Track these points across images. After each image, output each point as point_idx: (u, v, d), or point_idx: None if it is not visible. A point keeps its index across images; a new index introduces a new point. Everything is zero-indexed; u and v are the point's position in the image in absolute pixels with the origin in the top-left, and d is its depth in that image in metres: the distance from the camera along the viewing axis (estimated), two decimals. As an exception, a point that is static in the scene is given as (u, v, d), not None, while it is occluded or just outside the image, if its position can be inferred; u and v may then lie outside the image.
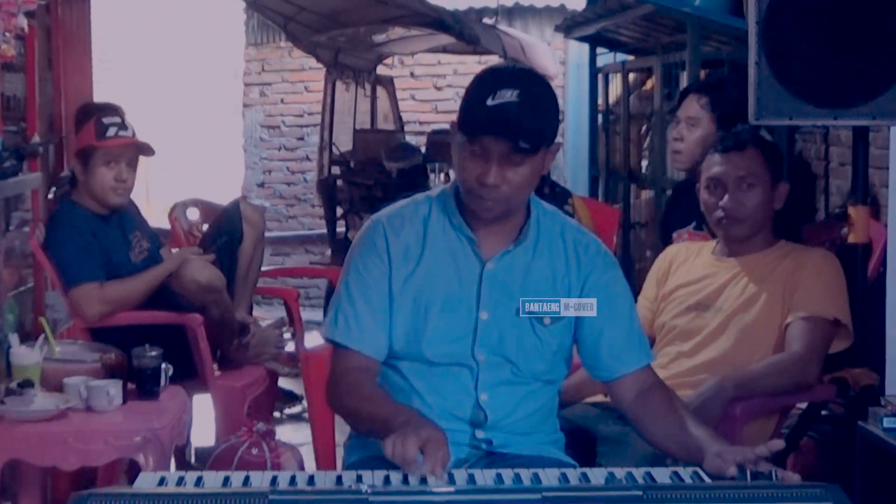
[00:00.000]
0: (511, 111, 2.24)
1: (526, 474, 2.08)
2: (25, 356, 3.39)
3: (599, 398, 2.99)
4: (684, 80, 5.46)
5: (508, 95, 2.25)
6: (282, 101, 9.80)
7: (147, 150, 4.26)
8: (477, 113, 2.28)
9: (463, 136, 2.30)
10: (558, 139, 2.39)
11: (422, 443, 2.05)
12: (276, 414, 5.24)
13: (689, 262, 3.29)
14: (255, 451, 3.73)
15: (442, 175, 6.81)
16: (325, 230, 8.52)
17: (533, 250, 2.43)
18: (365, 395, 2.33)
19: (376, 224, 2.46)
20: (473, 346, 2.39)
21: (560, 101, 9.01)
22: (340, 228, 8.08)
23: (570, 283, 2.43)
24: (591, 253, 2.46)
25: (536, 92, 2.29)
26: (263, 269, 4.88)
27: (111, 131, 4.13)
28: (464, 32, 7.01)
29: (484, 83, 2.31)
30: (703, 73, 5.40)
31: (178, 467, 4.00)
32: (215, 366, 4.30)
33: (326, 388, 2.44)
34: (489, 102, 2.25)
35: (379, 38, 7.97)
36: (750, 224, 3.15)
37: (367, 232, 2.46)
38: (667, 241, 3.70)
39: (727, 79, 4.35)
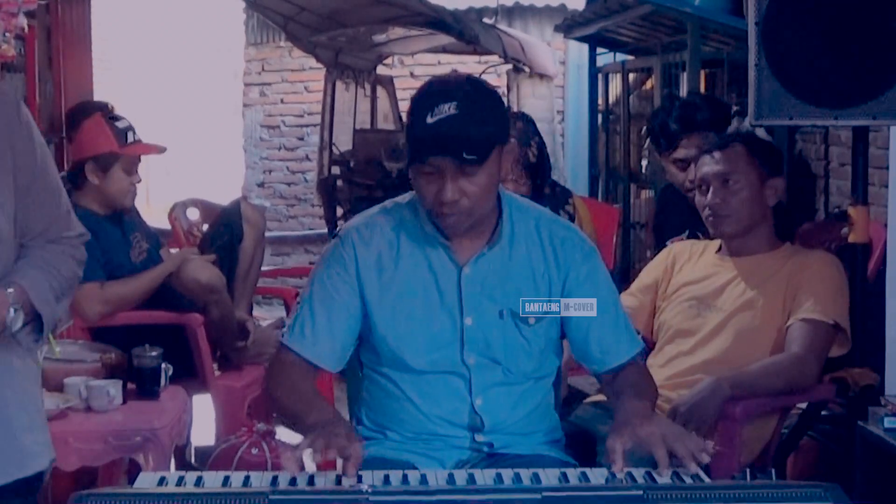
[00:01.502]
0: (452, 125, 2.24)
1: (526, 474, 2.08)
2: (25, 356, 3.39)
3: (599, 398, 2.99)
4: (684, 80, 5.46)
5: (447, 109, 2.24)
6: (282, 101, 9.80)
7: (162, 151, 4.29)
8: (420, 133, 2.28)
9: (413, 159, 2.31)
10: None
11: (335, 445, 2.10)
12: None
13: (693, 260, 3.29)
14: (255, 451, 3.72)
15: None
16: (325, 230, 8.53)
17: (509, 249, 2.42)
18: (290, 388, 2.37)
19: (345, 236, 2.45)
20: (462, 352, 2.39)
21: (560, 101, 9.12)
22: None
23: (551, 278, 2.43)
24: (569, 246, 2.45)
25: (475, 99, 2.28)
26: (263, 269, 4.87)
27: (130, 137, 4.13)
28: (464, 32, 7.01)
29: (422, 101, 2.30)
30: (703, 74, 5.40)
31: (178, 467, 4.00)
32: (215, 366, 4.30)
33: (265, 377, 2.51)
34: (429, 120, 2.25)
35: (379, 38, 7.97)
36: (737, 220, 3.14)
37: (336, 244, 2.46)
38: (661, 247, 3.69)
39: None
